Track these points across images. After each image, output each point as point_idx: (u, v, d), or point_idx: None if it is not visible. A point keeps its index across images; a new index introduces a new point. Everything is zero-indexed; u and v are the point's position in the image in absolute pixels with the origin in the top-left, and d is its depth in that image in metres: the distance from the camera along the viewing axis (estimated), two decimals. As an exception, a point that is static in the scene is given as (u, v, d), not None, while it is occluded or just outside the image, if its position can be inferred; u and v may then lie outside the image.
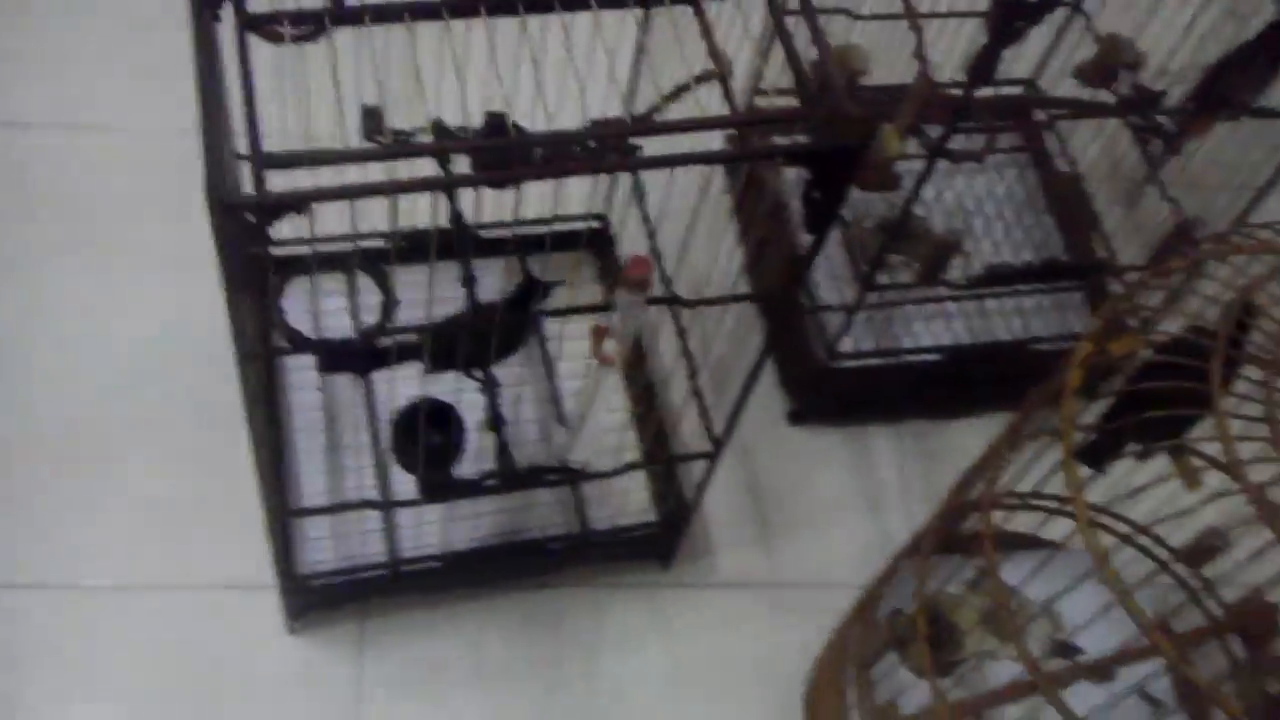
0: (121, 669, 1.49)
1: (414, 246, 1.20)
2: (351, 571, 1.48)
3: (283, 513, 1.33)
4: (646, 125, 1.08)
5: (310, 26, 1.05)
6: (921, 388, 1.80)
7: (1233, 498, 1.11)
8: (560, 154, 1.05)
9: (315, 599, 1.49)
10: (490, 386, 1.38)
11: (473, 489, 1.34)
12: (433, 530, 1.49)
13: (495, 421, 1.36)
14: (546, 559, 1.56)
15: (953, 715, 1.30)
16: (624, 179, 1.61)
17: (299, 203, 0.92)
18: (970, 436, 1.83)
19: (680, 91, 1.16)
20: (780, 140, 1.56)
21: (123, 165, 1.85)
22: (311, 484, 1.52)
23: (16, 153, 1.84)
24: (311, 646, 1.54)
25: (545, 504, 1.58)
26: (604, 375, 1.24)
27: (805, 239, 1.14)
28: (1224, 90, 1.63)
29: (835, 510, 1.76)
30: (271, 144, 0.96)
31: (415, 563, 1.49)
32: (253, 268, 0.99)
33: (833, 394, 1.77)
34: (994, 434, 1.35)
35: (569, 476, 1.41)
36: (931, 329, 1.78)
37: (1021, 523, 1.57)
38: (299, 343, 1.06)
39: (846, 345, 1.70)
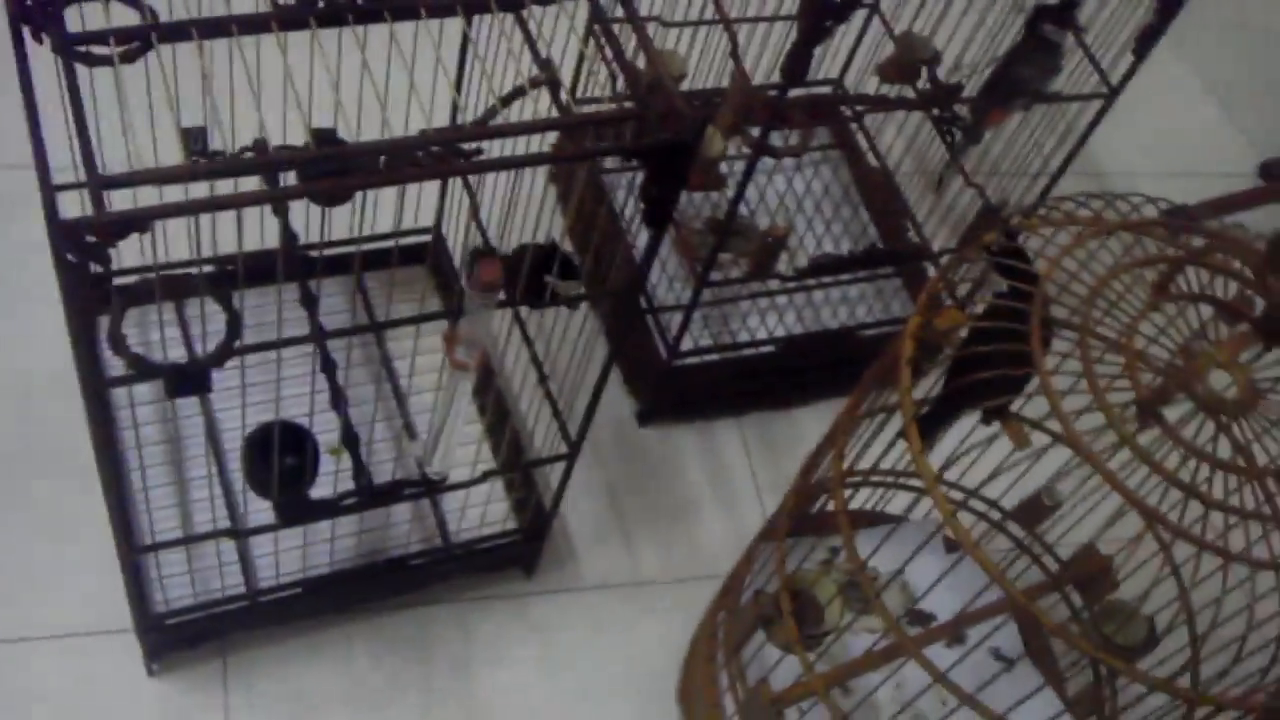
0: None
1: (256, 269, 1.19)
2: (209, 606, 1.44)
3: (132, 550, 1.29)
4: (481, 130, 1.10)
5: (135, 44, 1.04)
6: (760, 379, 1.86)
7: (1060, 454, 1.20)
8: (396, 162, 1.06)
9: (173, 638, 1.45)
10: (341, 405, 1.37)
11: (331, 509, 1.33)
12: (292, 558, 1.47)
13: (350, 439, 1.35)
14: (410, 577, 1.56)
15: (824, 685, 1.35)
16: (459, 194, 1.62)
17: (139, 220, 0.91)
18: (810, 423, 1.91)
19: (513, 97, 1.18)
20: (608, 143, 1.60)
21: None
22: (162, 519, 1.48)
23: None
24: (173, 687, 1.50)
25: (404, 522, 1.58)
26: (458, 382, 1.25)
27: (639, 241, 1.18)
28: (1014, 81, 1.74)
29: (690, 505, 1.81)
30: (107, 169, 0.95)
31: (274, 591, 1.47)
32: (94, 292, 0.97)
33: (677, 391, 1.82)
34: (831, 419, 1.41)
35: (428, 488, 1.41)
36: (765, 323, 1.85)
37: (862, 500, 1.64)
38: (146, 368, 1.04)
39: (686, 343, 1.75)
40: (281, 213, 1.42)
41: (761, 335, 1.83)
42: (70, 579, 1.53)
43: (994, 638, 1.49)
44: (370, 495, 1.35)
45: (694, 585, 1.72)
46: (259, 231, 1.49)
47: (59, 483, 1.57)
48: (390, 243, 1.63)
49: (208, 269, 1.12)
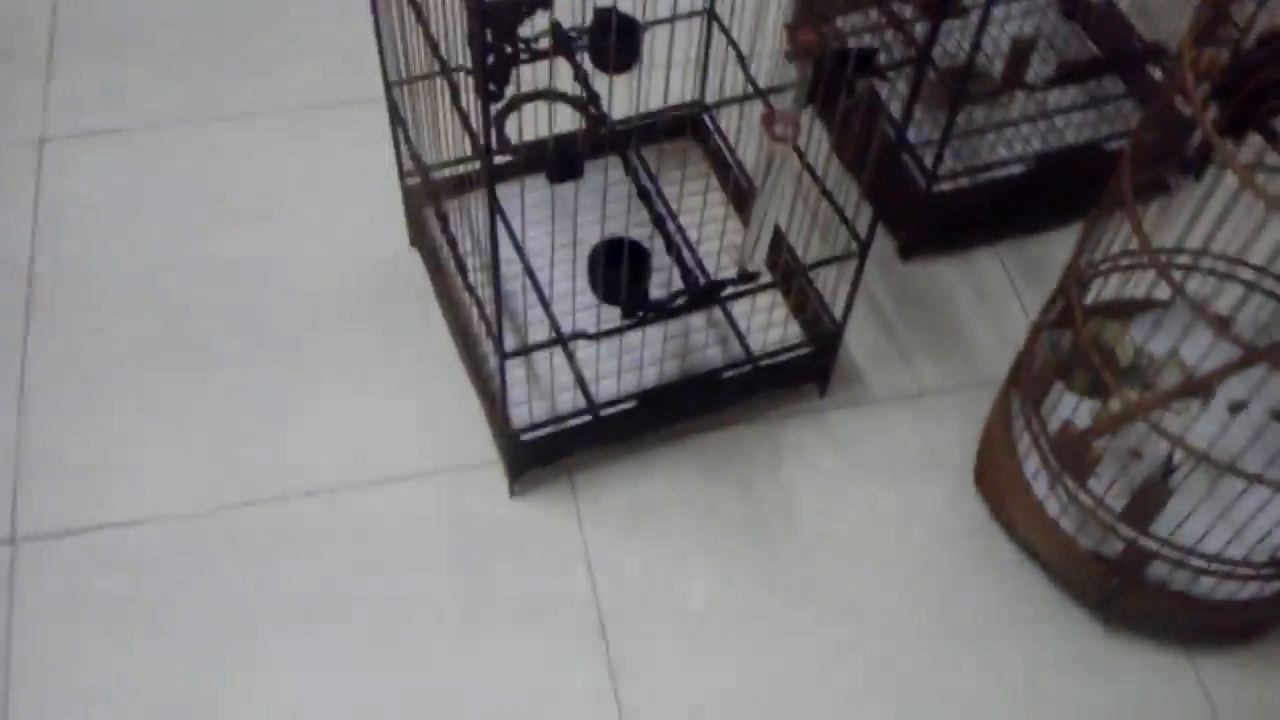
0: (387, 549, 1.65)
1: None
2: (559, 420, 1.64)
3: (503, 355, 1.49)
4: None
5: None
6: (1012, 202, 1.97)
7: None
8: None
9: (530, 454, 1.65)
10: (663, 218, 1.55)
11: (665, 309, 1.50)
12: (623, 381, 1.66)
13: (673, 247, 1.53)
14: (720, 393, 1.73)
15: (1140, 409, 1.45)
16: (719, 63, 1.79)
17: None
18: (1063, 246, 2.02)
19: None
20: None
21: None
22: (511, 337, 1.69)
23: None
24: (532, 505, 1.70)
25: (713, 344, 1.75)
26: (781, 161, 1.40)
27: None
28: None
29: (961, 326, 1.93)
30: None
31: (611, 405, 1.65)
32: (501, 66, 1.16)
33: (936, 221, 1.95)
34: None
35: (750, 284, 1.56)
36: (1012, 148, 1.96)
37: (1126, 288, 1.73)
38: (531, 154, 1.22)
39: (942, 170, 1.88)
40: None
41: (1011, 157, 1.95)
42: (429, 426, 1.76)
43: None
44: (699, 294, 1.52)
45: (977, 391, 1.84)
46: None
47: (410, 348, 1.81)
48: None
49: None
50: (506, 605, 1.63)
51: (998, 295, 1.97)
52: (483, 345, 1.67)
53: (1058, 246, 2.02)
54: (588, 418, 1.65)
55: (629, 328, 1.52)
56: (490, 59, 1.13)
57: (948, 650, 1.64)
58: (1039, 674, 1.62)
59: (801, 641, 1.63)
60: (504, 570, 1.65)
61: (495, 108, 1.18)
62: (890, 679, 1.61)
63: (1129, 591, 1.59)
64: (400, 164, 1.80)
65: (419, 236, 1.88)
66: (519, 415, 1.66)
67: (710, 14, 1.78)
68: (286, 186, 2.00)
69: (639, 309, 1.48)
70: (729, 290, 1.55)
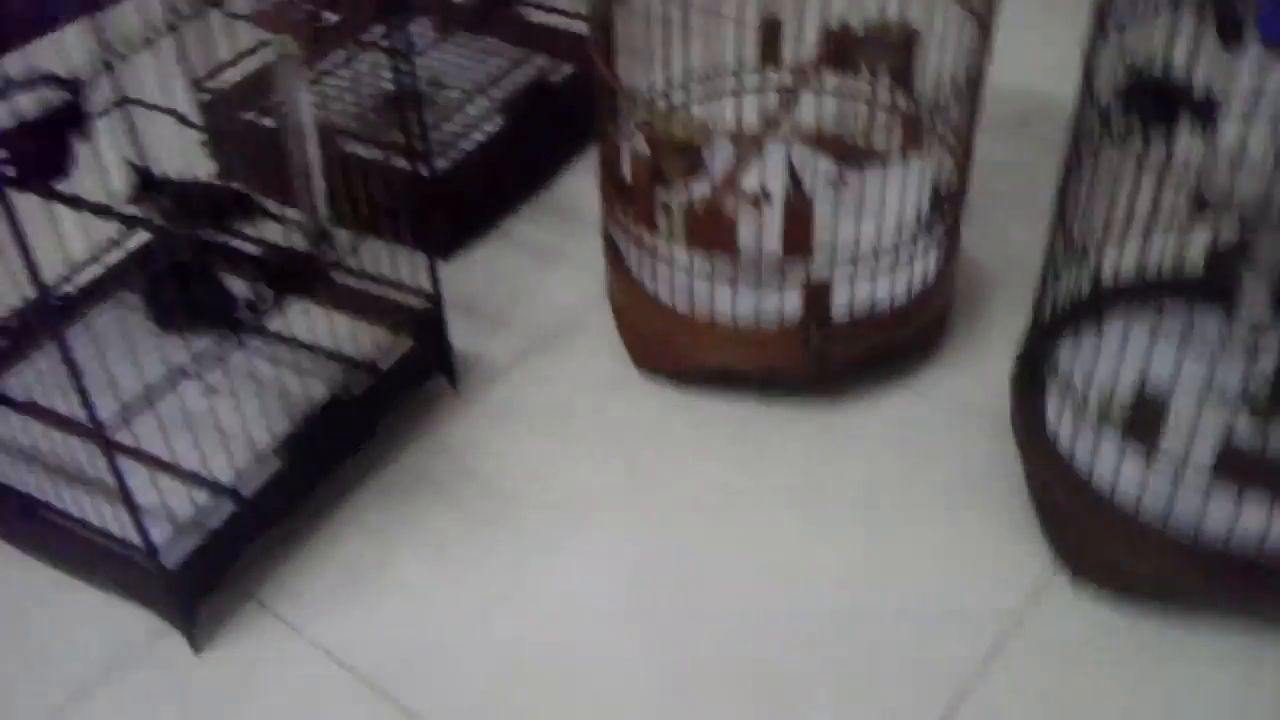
0: None
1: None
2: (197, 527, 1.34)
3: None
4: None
5: None
6: (506, 163, 1.95)
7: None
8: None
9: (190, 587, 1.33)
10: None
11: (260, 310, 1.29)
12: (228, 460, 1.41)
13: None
14: (354, 424, 1.51)
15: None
16: None
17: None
18: (576, 179, 2.02)
19: None
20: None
21: None
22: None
23: None
24: (238, 648, 1.36)
25: (307, 377, 1.53)
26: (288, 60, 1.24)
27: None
28: None
29: (540, 279, 1.85)
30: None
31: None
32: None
33: (455, 215, 1.87)
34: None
35: (332, 255, 1.38)
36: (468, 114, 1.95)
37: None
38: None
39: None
40: None
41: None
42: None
43: None
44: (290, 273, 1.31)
45: (595, 309, 1.75)
46: None
47: None
48: None
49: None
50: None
51: (551, 243, 1.92)
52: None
53: (575, 181, 2.02)
54: (230, 509, 1.36)
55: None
56: None
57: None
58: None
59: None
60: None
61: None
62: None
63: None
64: None
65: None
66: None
67: None
68: None
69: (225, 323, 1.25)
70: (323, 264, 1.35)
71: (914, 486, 1.50)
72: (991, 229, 1.85)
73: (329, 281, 1.52)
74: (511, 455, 1.57)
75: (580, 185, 2.01)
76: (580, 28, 1.84)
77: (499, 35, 2.13)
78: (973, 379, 1.63)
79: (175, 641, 1.37)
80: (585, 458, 1.57)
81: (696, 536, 1.46)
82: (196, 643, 1.36)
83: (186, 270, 1.31)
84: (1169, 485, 1.26)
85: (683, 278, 1.54)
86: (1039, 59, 2.00)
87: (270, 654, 1.36)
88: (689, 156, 1.53)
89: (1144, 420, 1.29)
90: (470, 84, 2.01)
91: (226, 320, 1.26)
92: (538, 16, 2.13)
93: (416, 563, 1.45)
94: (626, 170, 1.56)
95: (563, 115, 1.99)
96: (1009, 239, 1.84)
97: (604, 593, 1.41)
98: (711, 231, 1.50)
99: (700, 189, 1.57)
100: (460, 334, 1.73)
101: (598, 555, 1.45)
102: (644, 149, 1.54)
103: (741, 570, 1.42)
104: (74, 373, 1.13)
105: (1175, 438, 1.27)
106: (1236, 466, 1.26)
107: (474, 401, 1.65)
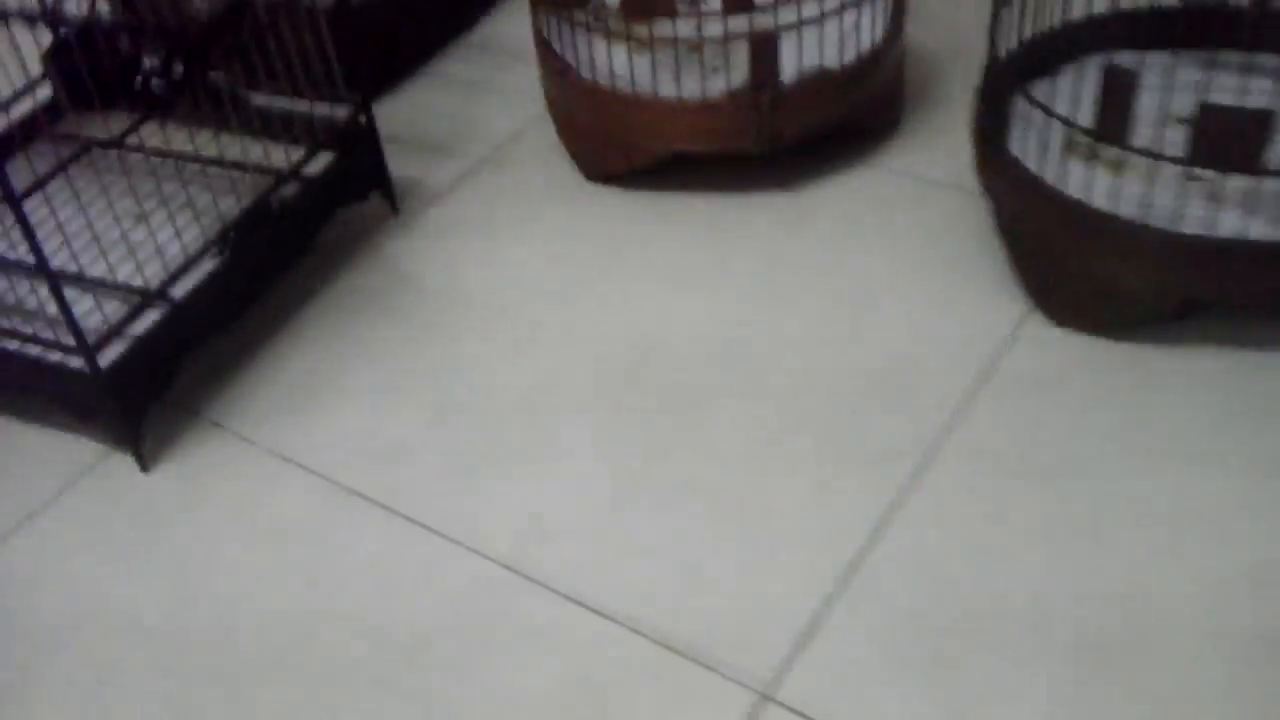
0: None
1: None
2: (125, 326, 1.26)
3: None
4: None
5: None
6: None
7: None
8: None
9: (124, 391, 1.25)
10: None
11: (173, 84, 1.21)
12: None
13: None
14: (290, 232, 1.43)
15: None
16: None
17: None
18: (502, 22, 1.94)
19: None
20: None
21: None
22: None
23: None
24: (187, 466, 1.28)
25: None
26: None
27: None
28: None
29: (475, 104, 1.77)
30: None
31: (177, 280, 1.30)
32: None
33: (376, 58, 1.79)
34: None
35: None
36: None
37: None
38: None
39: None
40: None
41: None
42: None
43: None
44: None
45: (539, 126, 1.68)
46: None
47: None
48: None
49: None
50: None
51: (483, 78, 1.84)
52: None
53: (503, 20, 1.95)
54: (162, 308, 1.28)
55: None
56: None
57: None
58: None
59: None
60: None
61: None
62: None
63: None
64: None
65: None
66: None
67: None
68: None
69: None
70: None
71: (882, 255, 1.44)
72: (939, 21, 1.80)
73: (242, 51, 1.42)
74: (456, 266, 1.50)
75: (508, 24, 1.94)
76: None
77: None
78: (931, 154, 1.58)
79: (124, 461, 1.29)
80: (536, 259, 1.50)
81: (655, 317, 1.40)
82: (144, 461, 1.28)
83: (92, 39, 1.22)
84: (1143, 187, 1.21)
85: (622, 57, 1.47)
86: None
87: (223, 464, 1.28)
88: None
89: (1114, 105, 1.21)
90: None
91: (141, 91, 1.17)
92: None
93: (366, 372, 1.37)
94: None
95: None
96: (958, 29, 1.79)
97: (566, 382, 1.34)
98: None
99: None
100: (398, 164, 1.66)
101: (558, 346, 1.38)
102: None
103: (709, 342, 1.36)
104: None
105: (1146, 125, 1.21)
106: (1214, 124, 1.17)
107: (415, 224, 1.58)
